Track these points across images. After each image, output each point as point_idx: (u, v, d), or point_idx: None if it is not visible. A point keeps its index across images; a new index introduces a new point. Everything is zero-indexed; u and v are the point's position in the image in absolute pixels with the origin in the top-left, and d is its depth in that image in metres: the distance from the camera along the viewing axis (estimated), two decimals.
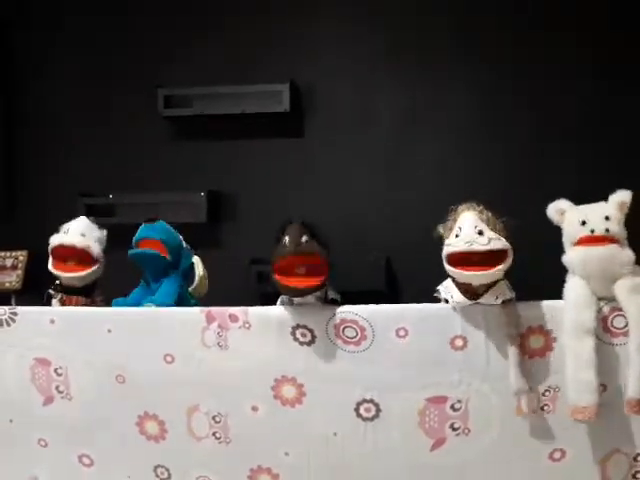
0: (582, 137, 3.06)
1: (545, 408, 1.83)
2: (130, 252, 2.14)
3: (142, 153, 3.41)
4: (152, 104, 3.29)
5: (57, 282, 2.25)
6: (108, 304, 2.20)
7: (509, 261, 1.77)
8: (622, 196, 1.80)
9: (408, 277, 3.16)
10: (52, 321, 2.03)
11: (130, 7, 3.41)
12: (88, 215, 2.45)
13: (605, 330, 1.77)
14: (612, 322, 1.76)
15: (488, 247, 1.73)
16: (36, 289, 3.28)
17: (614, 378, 1.77)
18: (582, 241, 1.79)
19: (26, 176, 3.51)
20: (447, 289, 1.89)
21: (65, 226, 2.27)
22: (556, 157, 3.07)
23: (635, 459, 1.83)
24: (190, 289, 2.26)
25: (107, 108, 3.42)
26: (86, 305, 2.20)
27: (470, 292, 1.82)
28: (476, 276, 1.77)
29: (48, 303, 2.22)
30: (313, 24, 3.28)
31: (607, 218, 1.77)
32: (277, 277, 1.87)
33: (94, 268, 2.22)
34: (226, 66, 3.32)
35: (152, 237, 2.14)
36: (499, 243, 1.75)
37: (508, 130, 3.14)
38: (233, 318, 1.93)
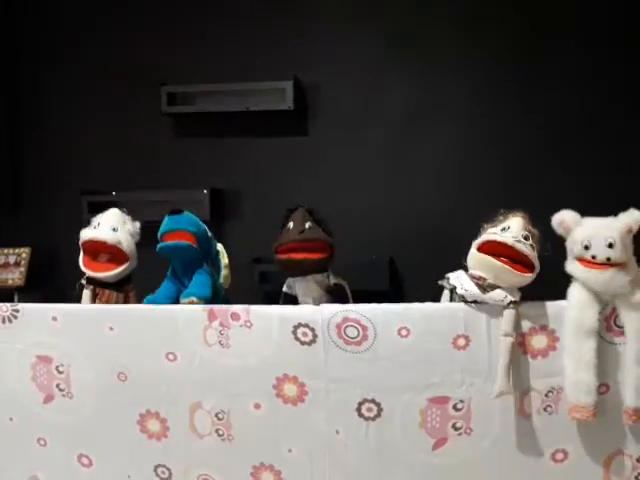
0: (583, 138, 3.05)
1: (548, 409, 1.82)
2: (160, 245, 2.03)
3: (145, 151, 3.42)
4: (155, 101, 3.29)
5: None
6: (140, 299, 2.16)
7: (532, 277, 1.78)
8: (631, 220, 1.75)
9: (411, 276, 3.16)
10: (54, 318, 2.03)
11: (132, 3, 3.41)
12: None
13: (608, 329, 1.76)
14: (615, 321, 1.76)
15: (529, 255, 1.75)
16: (39, 286, 3.31)
17: (617, 378, 1.76)
18: (583, 261, 1.77)
19: (29, 174, 3.52)
20: (458, 277, 1.87)
21: (95, 219, 2.16)
22: (557, 158, 3.07)
23: (638, 460, 1.82)
24: (220, 279, 2.16)
25: (110, 106, 3.43)
26: (118, 299, 2.14)
27: (481, 287, 1.80)
28: (503, 269, 1.76)
29: (79, 295, 2.13)
30: (314, 22, 3.28)
31: (610, 245, 1.72)
32: (278, 255, 2.00)
33: (126, 265, 2.13)
34: (229, 63, 3.32)
35: (182, 229, 2.03)
36: (535, 259, 1.77)
37: (509, 130, 3.14)
38: (235, 317, 1.93)
